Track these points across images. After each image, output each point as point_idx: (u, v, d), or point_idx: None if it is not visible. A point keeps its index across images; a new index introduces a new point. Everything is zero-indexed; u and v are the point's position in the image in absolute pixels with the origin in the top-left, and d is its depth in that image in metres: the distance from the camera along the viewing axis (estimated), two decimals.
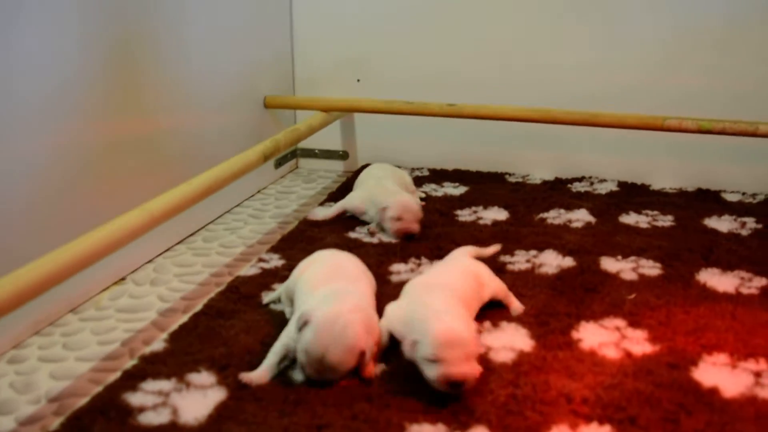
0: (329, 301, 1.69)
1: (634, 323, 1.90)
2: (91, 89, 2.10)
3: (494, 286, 1.95)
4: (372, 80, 3.17)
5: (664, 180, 2.99)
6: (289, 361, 1.69)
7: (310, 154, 3.32)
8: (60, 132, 2.00)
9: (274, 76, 3.12)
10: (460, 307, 1.71)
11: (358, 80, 3.19)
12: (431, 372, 1.54)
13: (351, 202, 2.55)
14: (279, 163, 3.15)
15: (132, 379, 1.67)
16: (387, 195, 2.44)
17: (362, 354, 1.62)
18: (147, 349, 1.80)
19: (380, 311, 1.80)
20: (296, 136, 2.72)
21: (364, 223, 2.53)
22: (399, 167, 2.89)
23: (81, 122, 2.07)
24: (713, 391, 1.62)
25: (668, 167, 2.99)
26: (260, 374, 1.64)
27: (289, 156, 3.24)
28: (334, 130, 3.25)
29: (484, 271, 1.96)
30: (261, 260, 2.29)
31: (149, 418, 1.54)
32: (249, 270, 2.22)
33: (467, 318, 1.69)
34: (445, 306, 1.67)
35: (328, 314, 1.62)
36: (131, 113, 2.28)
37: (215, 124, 2.70)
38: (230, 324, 1.89)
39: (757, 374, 1.68)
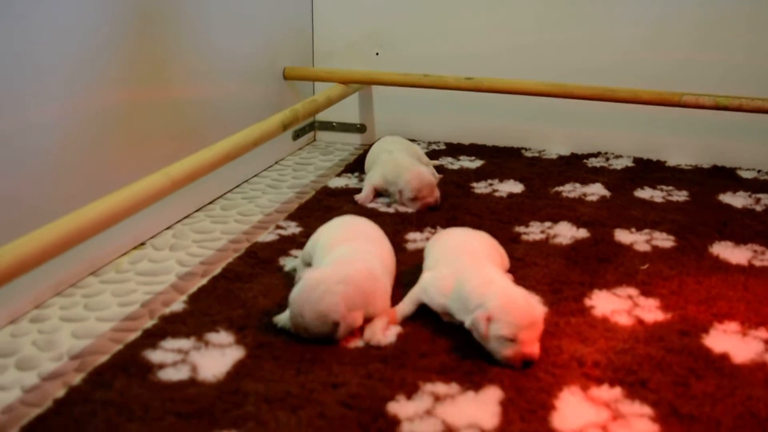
0: (331, 262, 1.74)
1: (646, 292, 1.92)
2: (114, 57, 2.13)
3: (506, 258, 1.97)
4: (391, 54, 3.19)
5: (679, 156, 3.00)
6: None
7: (327, 126, 3.34)
8: (84, 98, 2.03)
9: (294, 48, 3.14)
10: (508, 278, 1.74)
11: (377, 54, 3.20)
12: (506, 350, 1.57)
13: (373, 181, 2.55)
14: (297, 135, 3.17)
15: (152, 337, 1.71)
16: (400, 171, 2.45)
17: (335, 324, 1.64)
18: (166, 310, 1.84)
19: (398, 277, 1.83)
20: (314, 107, 2.75)
21: (380, 195, 2.55)
22: (414, 141, 2.91)
23: (104, 89, 2.10)
24: (723, 357, 1.64)
25: (684, 144, 3.00)
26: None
27: (307, 128, 3.26)
28: (352, 103, 3.27)
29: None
30: (278, 227, 2.32)
31: (169, 375, 1.57)
32: (267, 237, 2.26)
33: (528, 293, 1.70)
34: (506, 281, 1.70)
35: (311, 278, 1.67)
36: (153, 81, 2.31)
37: (235, 94, 2.72)
38: (248, 287, 1.93)
39: (767, 342, 1.70)
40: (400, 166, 2.48)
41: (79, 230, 1.66)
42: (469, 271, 1.71)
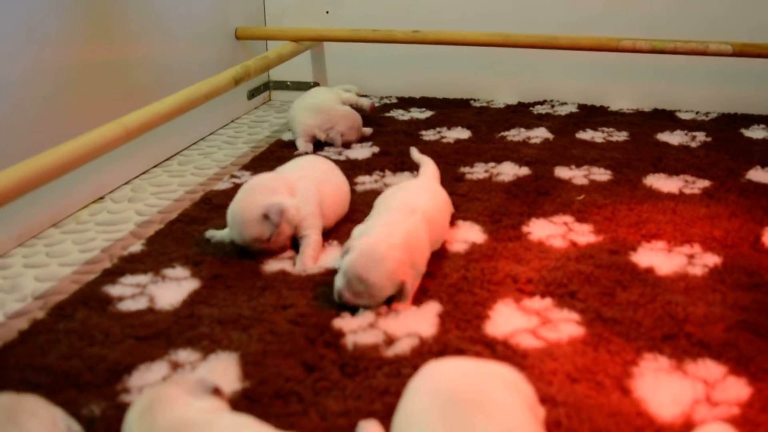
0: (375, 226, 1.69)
1: (581, 219, 2.03)
2: (66, 17, 2.19)
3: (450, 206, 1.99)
4: (340, 12, 3.27)
5: (622, 101, 3.11)
6: None
7: (282, 86, 3.42)
8: (35, 56, 2.09)
9: (246, 8, 3.20)
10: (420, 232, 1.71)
11: (327, 12, 3.28)
12: (337, 282, 1.60)
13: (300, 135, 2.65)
14: (252, 95, 3.25)
15: (111, 275, 1.80)
16: (308, 119, 2.63)
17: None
18: (125, 252, 1.92)
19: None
20: (266, 63, 2.83)
21: (330, 145, 2.65)
22: (366, 96, 3.02)
23: (57, 48, 2.16)
24: (648, 270, 1.76)
25: (626, 89, 3.12)
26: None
27: (261, 88, 3.34)
28: (305, 62, 3.35)
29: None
30: (233, 176, 2.40)
31: (128, 305, 1.67)
32: (221, 185, 2.34)
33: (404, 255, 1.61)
34: (387, 238, 1.61)
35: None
36: (106, 41, 2.36)
37: (188, 54, 2.79)
38: (204, 228, 2.01)
39: (691, 256, 1.82)
40: (306, 117, 2.64)
41: (38, 175, 1.75)
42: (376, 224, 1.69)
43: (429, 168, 2.07)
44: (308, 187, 1.90)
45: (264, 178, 1.92)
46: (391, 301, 1.61)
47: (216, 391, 1.14)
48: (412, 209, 1.73)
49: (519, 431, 1.02)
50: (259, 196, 1.81)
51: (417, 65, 3.25)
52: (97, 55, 2.33)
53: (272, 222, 1.78)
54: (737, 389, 1.35)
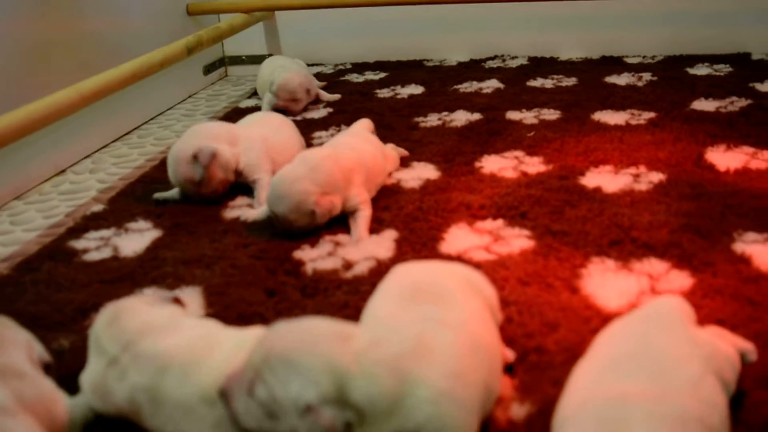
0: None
1: (531, 153, 2.10)
2: None
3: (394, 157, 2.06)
4: None
5: (571, 51, 3.19)
6: None
7: (237, 61, 3.45)
8: None
9: None
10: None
11: None
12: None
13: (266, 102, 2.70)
14: (208, 70, 3.28)
15: (75, 232, 1.83)
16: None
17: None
18: (88, 212, 1.95)
19: None
20: (218, 33, 2.86)
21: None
22: (320, 64, 3.08)
23: (10, 22, 2.18)
24: (596, 190, 1.83)
25: (575, 40, 3.19)
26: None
27: (217, 64, 3.37)
28: (259, 34, 3.39)
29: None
30: None
31: (92, 256, 1.70)
32: None
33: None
34: (310, 165, 1.71)
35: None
36: (58, 15, 2.39)
37: (141, 29, 2.81)
38: (164, 188, 2.05)
39: (636, 176, 1.89)
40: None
41: None
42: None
43: (358, 123, 2.09)
44: (252, 136, 1.95)
45: (208, 124, 1.99)
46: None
47: (176, 300, 1.19)
48: (327, 148, 1.82)
49: (470, 323, 1.07)
50: (195, 140, 1.87)
51: (369, 31, 3.31)
52: (52, 30, 2.35)
53: (201, 164, 1.82)
54: (680, 280, 1.42)
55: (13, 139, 1.83)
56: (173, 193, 1.93)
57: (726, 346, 1.10)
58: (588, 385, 0.94)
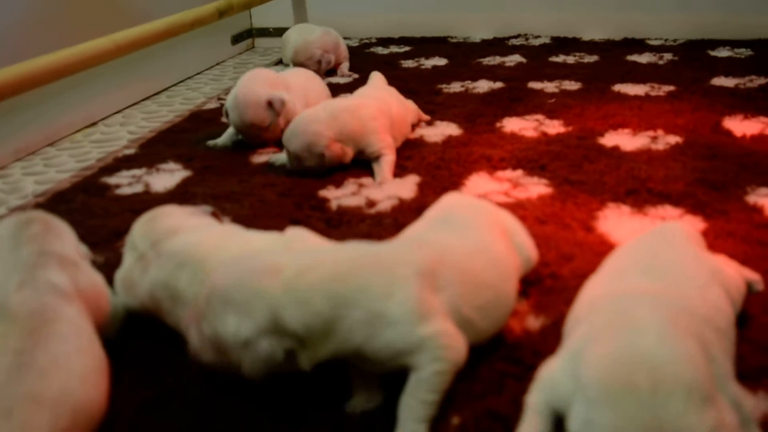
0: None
1: (552, 116, 2.14)
2: None
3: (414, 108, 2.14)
4: None
5: (593, 32, 3.22)
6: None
7: (265, 33, 3.51)
8: None
9: None
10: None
11: None
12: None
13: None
14: (236, 40, 3.35)
15: (108, 171, 1.90)
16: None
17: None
18: (120, 154, 2.02)
19: None
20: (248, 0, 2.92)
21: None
22: (346, 38, 3.14)
23: None
24: (614, 148, 1.87)
25: (598, 20, 3.23)
26: (222, 140, 2.01)
27: (245, 34, 3.43)
28: (287, 8, 3.44)
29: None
30: (220, 99, 2.51)
31: (124, 191, 1.77)
32: (210, 105, 2.44)
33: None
34: (335, 106, 1.84)
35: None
36: None
37: None
38: (194, 137, 2.12)
39: (654, 138, 1.93)
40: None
41: (31, 76, 1.84)
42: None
43: (375, 76, 2.15)
44: (299, 86, 2.00)
45: (263, 71, 2.03)
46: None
47: (214, 215, 1.24)
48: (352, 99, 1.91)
49: (486, 245, 1.10)
50: (262, 86, 1.93)
51: (395, 7, 3.37)
52: None
53: (275, 110, 1.88)
54: (694, 223, 1.46)
55: (50, 80, 1.89)
56: (225, 139, 1.99)
57: (731, 269, 1.14)
58: (599, 289, 0.99)
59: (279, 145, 1.91)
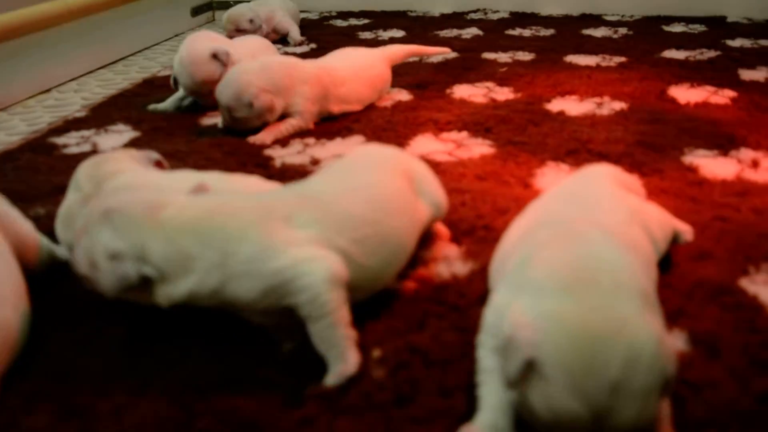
0: None
1: (502, 84, 2.17)
2: None
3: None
4: None
5: (551, 8, 3.26)
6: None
7: (225, 6, 3.50)
8: None
9: None
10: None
11: None
12: None
13: None
14: (195, 12, 3.34)
15: (57, 132, 1.90)
16: None
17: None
18: (70, 117, 2.02)
19: None
20: None
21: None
22: (305, 11, 3.15)
23: None
24: (560, 113, 1.90)
25: None
26: (167, 105, 2.00)
27: (205, 7, 3.43)
28: None
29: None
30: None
31: (72, 150, 1.77)
32: (163, 72, 2.44)
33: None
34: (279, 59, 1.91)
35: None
36: None
37: None
38: (146, 101, 2.12)
39: (600, 104, 1.97)
40: None
41: None
42: None
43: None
44: (244, 51, 2.02)
45: (205, 32, 2.05)
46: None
47: (158, 163, 1.26)
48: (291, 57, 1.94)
49: (369, 185, 1.08)
50: (204, 42, 1.94)
51: None
52: None
53: (221, 61, 1.89)
54: None
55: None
56: (168, 104, 2.00)
57: (656, 210, 1.17)
58: (523, 222, 1.02)
59: (201, 110, 1.96)
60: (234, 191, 1.13)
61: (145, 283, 0.94)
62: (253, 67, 1.78)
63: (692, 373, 0.94)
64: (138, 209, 0.95)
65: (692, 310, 1.07)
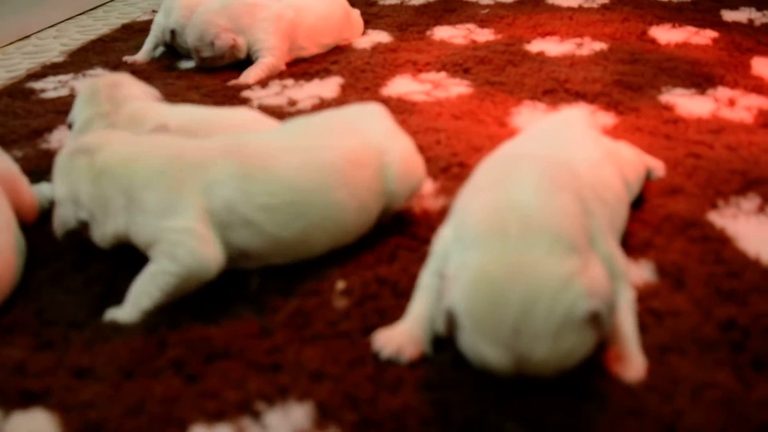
0: None
1: (483, 26, 2.16)
2: None
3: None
4: None
5: None
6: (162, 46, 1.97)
7: None
8: None
9: None
10: None
11: None
12: None
13: None
14: None
15: (35, 77, 1.89)
16: None
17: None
18: (48, 62, 2.01)
19: None
20: None
21: None
22: None
23: None
24: (539, 54, 1.90)
25: None
26: (141, 56, 1.91)
27: None
28: None
29: None
30: (154, 12, 2.48)
31: (49, 95, 1.77)
32: (143, 17, 2.43)
33: None
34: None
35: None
36: None
37: None
38: (125, 46, 2.11)
39: (580, 44, 1.96)
40: None
41: None
42: None
43: None
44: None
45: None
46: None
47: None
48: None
49: (330, 149, 1.05)
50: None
51: None
52: None
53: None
54: (605, 119, 1.50)
55: None
56: (141, 56, 1.98)
57: (629, 151, 1.18)
58: (492, 158, 1.02)
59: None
60: (217, 128, 1.15)
61: (84, 227, 1.01)
62: (214, 7, 1.82)
63: (657, 302, 0.96)
64: (73, 157, 1.01)
65: (660, 243, 1.08)
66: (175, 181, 0.97)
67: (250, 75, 1.75)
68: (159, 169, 0.98)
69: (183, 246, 0.95)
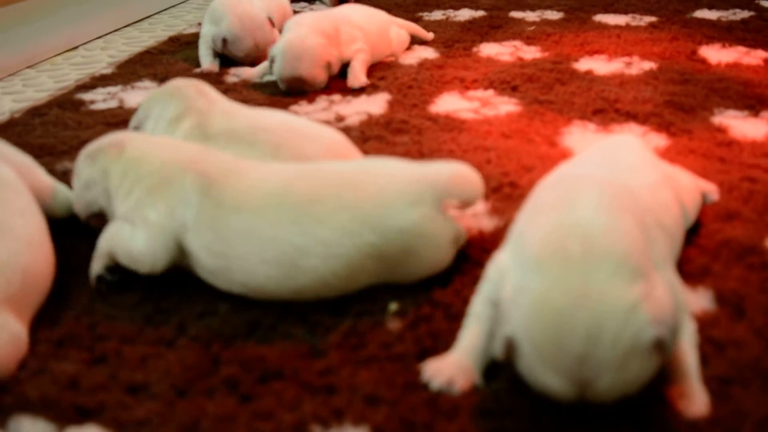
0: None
1: (529, 43, 2.15)
2: None
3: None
4: None
5: None
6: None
7: None
8: None
9: None
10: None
11: None
12: (281, 86, 1.82)
13: None
14: None
15: (84, 88, 1.91)
16: None
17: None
18: (97, 74, 2.03)
19: None
20: None
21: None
22: None
23: None
24: (588, 72, 1.88)
25: None
26: (248, 72, 1.95)
27: None
28: None
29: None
30: (199, 24, 2.49)
31: (99, 106, 1.78)
32: (190, 30, 2.44)
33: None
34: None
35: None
36: None
37: None
38: (171, 58, 2.12)
39: (629, 63, 1.94)
40: None
41: None
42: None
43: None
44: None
45: (304, 32, 1.83)
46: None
47: None
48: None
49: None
50: (254, 6, 1.99)
51: None
52: None
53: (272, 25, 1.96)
54: (657, 140, 1.48)
55: None
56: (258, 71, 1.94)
57: (686, 177, 1.16)
58: (548, 182, 1.01)
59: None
60: (305, 145, 1.20)
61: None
62: (303, 31, 1.78)
63: (717, 332, 0.94)
64: (104, 148, 1.10)
65: (718, 270, 1.06)
66: (160, 185, 1.05)
67: (357, 75, 1.80)
68: (152, 172, 1.06)
69: (138, 248, 1.02)
